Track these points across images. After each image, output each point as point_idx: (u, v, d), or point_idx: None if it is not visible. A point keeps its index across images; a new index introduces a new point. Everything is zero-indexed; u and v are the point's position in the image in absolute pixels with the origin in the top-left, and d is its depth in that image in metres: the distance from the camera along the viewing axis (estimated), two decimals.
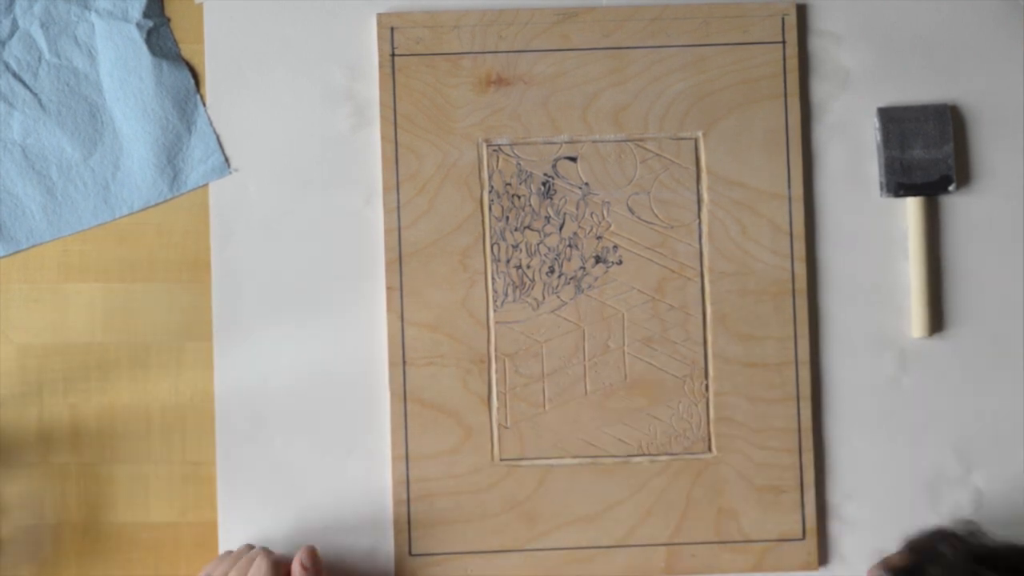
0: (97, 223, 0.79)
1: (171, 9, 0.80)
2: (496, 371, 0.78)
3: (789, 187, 0.79)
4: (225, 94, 0.80)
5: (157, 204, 0.79)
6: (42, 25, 0.79)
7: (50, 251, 0.79)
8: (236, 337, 0.79)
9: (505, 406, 0.78)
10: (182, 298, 0.79)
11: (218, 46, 0.80)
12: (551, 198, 0.79)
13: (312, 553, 0.73)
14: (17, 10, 0.79)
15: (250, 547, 0.75)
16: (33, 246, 0.79)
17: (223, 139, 0.80)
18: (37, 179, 0.79)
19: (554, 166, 0.79)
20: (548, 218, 0.79)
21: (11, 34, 0.79)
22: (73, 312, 0.79)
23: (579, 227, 0.79)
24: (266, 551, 0.73)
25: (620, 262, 0.79)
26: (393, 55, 0.79)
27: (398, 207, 0.79)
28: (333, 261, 0.79)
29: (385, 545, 0.78)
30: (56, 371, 0.79)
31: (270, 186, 0.80)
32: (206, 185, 0.79)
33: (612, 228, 0.79)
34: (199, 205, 0.79)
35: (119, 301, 0.79)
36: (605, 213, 0.79)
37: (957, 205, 0.80)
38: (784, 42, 0.80)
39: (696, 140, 0.79)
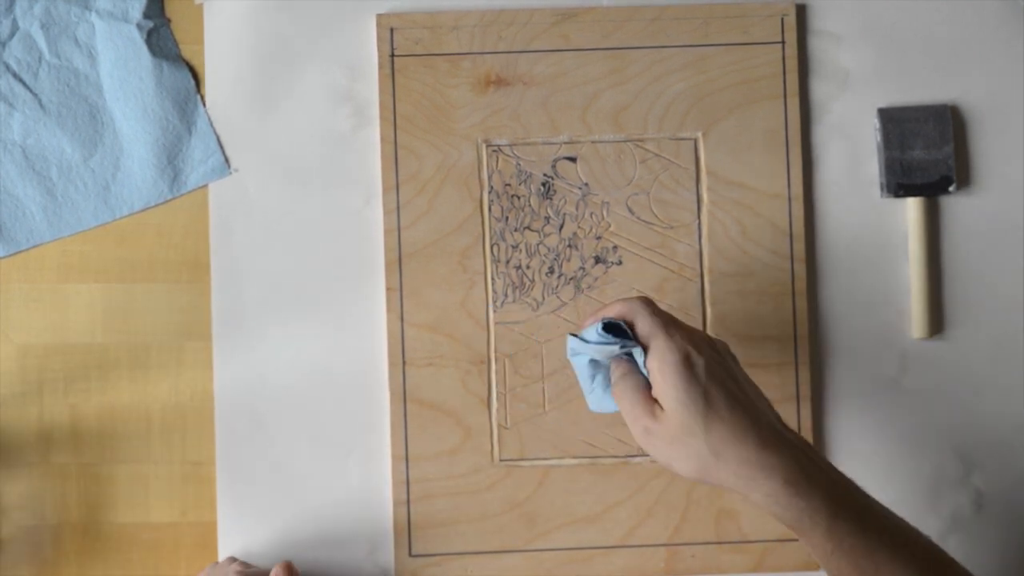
0: (97, 224, 0.79)
1: (171, 9, 0.80)
2: (496, 371, 0.78)
3: (789, 187, 0.79)
4: (225, 94, 0.80)
5: (157, 205, 0.79)
6: (42, 26, 0.79)
7: (50, 251, 0.79)
8: (236, 337, 0.79)
9: (505, 406, 0.78)
10: (182, 298, 0.79)
11: (218, 46, 0.80)
12: (551, 198, 0.79)
13: (288, 568, 0.72)
14: (17, 11, 0.79)
15: (232, 560, 0.74)
16: (33, 247, 0.79)
17: (223, 139, 0.80)
18: (37, 180, 0.79)
19: (554, 166, 0.79)
20: (548, 218, 0.79)
21: (11, 35, 0.79)
22: (73, 312, 0.79)
23: (579, 227, 0.79)
24: (242, 564, 0.73)
25: (620, 262, 0.79)
26: (393, 56, 0.79)
27: (398, 207, 0.79)
28: (333, 261, 0.79)
29: (385, 545, 0.78)
30: (56, 371, 0.79)
31: (270, 186, 0.80)
32: (206, 185, 0.79)
33: (612, 228, 0.79)
34: (199, 205, 0.79)
35: (119, 301, 0.79)
36: (605, 213, 0.79)
37: (957, 205, 0.80)
38: (784, 42, 0.79)
39: (696, 140, 0.79)
